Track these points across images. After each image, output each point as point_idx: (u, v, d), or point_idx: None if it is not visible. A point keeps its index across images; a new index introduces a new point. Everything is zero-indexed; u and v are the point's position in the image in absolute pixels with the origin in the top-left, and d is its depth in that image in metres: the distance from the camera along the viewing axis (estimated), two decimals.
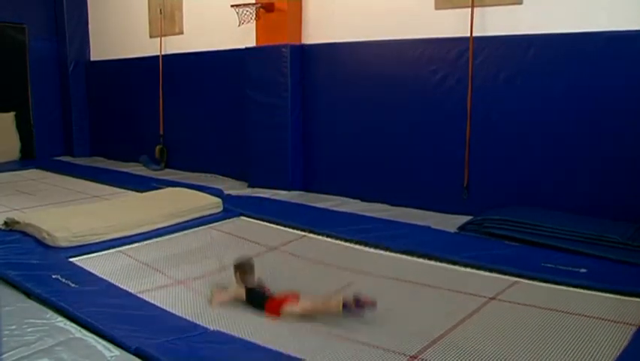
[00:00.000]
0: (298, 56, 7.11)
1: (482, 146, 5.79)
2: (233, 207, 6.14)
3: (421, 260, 4.59)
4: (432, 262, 4.53)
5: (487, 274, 4.21)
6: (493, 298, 3.77)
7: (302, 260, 4.75)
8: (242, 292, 3.76)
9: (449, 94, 5.97)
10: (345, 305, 3.37)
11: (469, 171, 5.90)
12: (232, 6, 7.19)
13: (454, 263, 4.43)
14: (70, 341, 3.00)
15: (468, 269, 4.33)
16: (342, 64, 6.89)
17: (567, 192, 5.33)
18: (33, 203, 6.59)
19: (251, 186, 7.50)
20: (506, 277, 4.11)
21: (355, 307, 3.37)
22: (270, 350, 2.98)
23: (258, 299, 3.69)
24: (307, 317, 3.48)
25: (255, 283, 3.82)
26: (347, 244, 5.04)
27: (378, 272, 4.37)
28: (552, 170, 5.42)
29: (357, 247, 4.99)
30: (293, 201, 6.71)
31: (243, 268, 3.88)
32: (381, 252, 4.82)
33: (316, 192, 7.10)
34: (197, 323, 3.38)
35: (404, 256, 4.68)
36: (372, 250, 4.89)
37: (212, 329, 3.29)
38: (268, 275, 4.15)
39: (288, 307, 3.54)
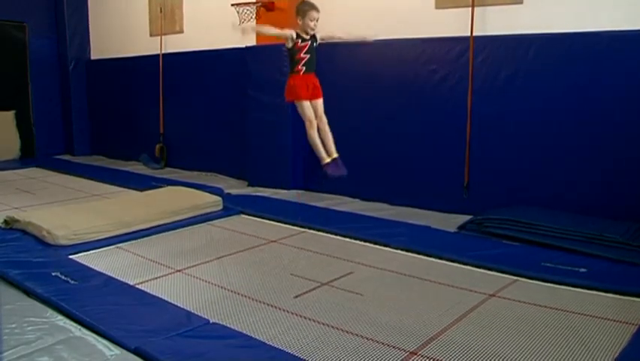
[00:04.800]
0: None
1: (482, 145, 5.80)
2: (233, 206, 6.15)
3: (420, 256, 4.61)
4: (432, 259, 4.54)
5: (486, 272, 4.22)
6: (492, 296, 3.77)
7: (302, 251, 4.81)
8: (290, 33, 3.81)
9: (449, 93, 5.97)
10: (326, 168, 3.81)
11: (469, 171, 5.90)
12: (232, 5, 7.20)
13: (454, 262, 4.44)
14: (70, 340, 3.01)
15: (468, 267, 4.33)
16: (342, 63, 6.88)
17: (567, 192, 5.33)
18: (33, 202, 6.59)
19: (251, 185, 7.51)
20: (506, 275, 4.12)
21: (332, 172, 3.85)
22: (270, 347, 2.99)
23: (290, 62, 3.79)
24: None
25: (306, 30, 3.82)
26: (346, 240, 5.08)
27: (379, 265, 4.41)
28: (552, 169, 5.42)
29: (356, 242, 5.03)
30: (293, 200, 6.72)
31: (303, 9, 3.87)
32: (381, 247, 4.86)
33: (316, 191, 7.10)
34: (198, 314, 3.40)
35: (404, 252, 4.71)
36: (371, 245, 4.93)
37: (212, 321, 3.30)
38: (268, 262, 4.38)
39: (300, 109, 3.88)
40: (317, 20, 3.80)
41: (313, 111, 3.74)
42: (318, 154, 3.78)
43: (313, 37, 3.86)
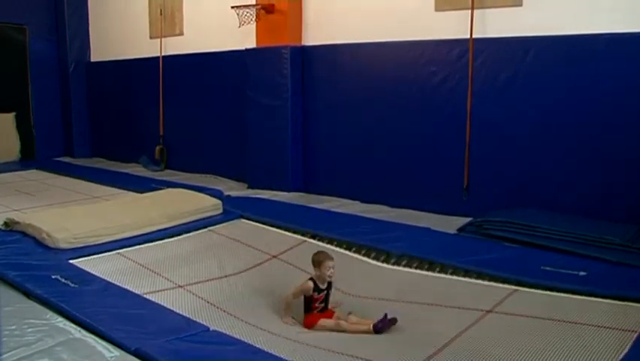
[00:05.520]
0: (298, 57, 7.12)
1: (482, 147, 5.80)
2: (233, 209, 6.12)
3: (419, 271, 4.48)
4: (431, 272, 4.44)
5: (486, 275, 4.18)
6: (493, 308, 3.73)
7: (302, 272, 4.44)
8: (309, 287, 3.80)
9: (449, 95, 5.97)
10: (375, 328, 3.53)
11: (468, 173, 5.90)
12: (232, 7, 7.20)
13: (454, 267, 4.37)
14: (70, 342, 3.01)
15: (467, 274, 4.27)
16: (342, 65, 6.89)
17: (567, 194, 5.34)
18: (33, 203, 6.59)
19: (251, 187, 7.50)
20: (505, 278, 4.09)
21: (382, 326, 3.54)
22: (270, 355, 2.98)
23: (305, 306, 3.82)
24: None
25: (324, 278, 3.82)
26: (348, 252, 4.91)
27: (380, 281, 4.36)
28: (552, 171, 5.43)
29: (355, 255, 4.88)
30: (293, 202, 6.71)
31: (318, 260, 3.87)
32: (381, 263, 4.71)
33: (316, 193, 7.10)
34: (197, 321, 3.39)
35: (404, 269, 4.58)
36: (372, 258, 4.79)
37: (211, 329, 3.29)
38: (272, 280, 4.34)
39: (322, 322, 3.71)
40: (333, 268, 3.80)
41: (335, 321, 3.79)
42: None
43: (329, 285, 3.88)
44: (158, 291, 4.11)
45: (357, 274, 4.59)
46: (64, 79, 10.46)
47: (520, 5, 5.48)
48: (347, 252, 4.93)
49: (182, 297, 4.06)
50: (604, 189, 5.16)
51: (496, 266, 4.29)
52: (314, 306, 3.81)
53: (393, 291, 4.23)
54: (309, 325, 3.76)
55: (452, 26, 5.88)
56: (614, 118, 5.06)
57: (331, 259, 3.88)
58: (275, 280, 4.48)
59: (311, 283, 3.81)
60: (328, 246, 5.02)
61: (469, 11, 5.72)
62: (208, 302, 4.02)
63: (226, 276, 4.54)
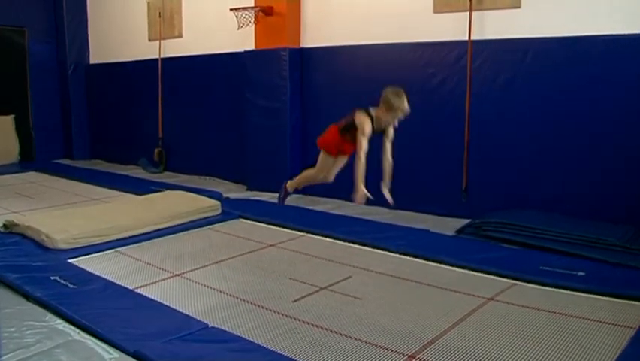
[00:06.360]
0: (297, 59, 7.13)
1: (481, 149, 5.81)
2: (231, 210, 6.15)
3: (419, 260, 4.62)
4: (430, 263, 4.55)
5: (485, 276, 4.23)
6: (491, 299, 3.78)
7: (301, 255, 4.82)
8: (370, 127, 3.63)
9: (448, 97, 5.99)
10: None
11: (467, 174, 5.92)
12: (231, 9, 7.22)
13: (452, 265, 4.45)
14: (69, 344, 3.01)
15: (466, 271, 4.34)
16: (341, 67, 6.90)
17: (566, 195, 5.35)
18: (32, 205, 6.60)
19: (249, 189, 7.51)
20: (504, 279, 4.13)
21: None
22: (269, 351, 2.99)
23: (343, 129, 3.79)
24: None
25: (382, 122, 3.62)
26: (345, 243, 5.11)
27: (377, 269, 4.43)
28: (551, 172, 5.44)
29: (355, 246, 5.05)
30: (291, 204, 6.71)
31: (391, 104, 3.65)
32: (380, 251, 4.87)
33: (314, 195, 7.10)
34: (197, 318, 3.40)
35: (403, 256, 4.72)
36: (370, 249, 4.95)
37: (211, 325, 3.30)
38: (267, 266, 4.46)
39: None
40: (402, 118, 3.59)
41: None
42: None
43: (383, 131, 3.79)
44: (156, 283, 4.14)
45: (356, 255, 4.77)
46: (63, 81, 10.48)
47: (519, 7, 5.49)
48: (346, 243, 5.13)
49: (179, 284, 4.11)
50: (603, 190, 5.17)
51: (494, 267, 4.30)
52: (347, 137, 3.60)
53: (392, 270, 4.40)
54: (321, 142, 3.76)
55: (451, 28, 5.90)
56: (613, 119, 5.07)
57: (405, 108, 3.58)
58: (272, 260, 4.69)
59: (369, 123, 3.57)
60: (327, 239, 5.24)
61: (468, 13, 5.73)
62: (206, 286, 4.08)
63: (223, 260, 4.65)
